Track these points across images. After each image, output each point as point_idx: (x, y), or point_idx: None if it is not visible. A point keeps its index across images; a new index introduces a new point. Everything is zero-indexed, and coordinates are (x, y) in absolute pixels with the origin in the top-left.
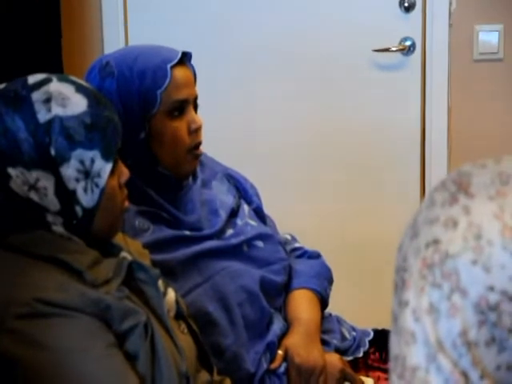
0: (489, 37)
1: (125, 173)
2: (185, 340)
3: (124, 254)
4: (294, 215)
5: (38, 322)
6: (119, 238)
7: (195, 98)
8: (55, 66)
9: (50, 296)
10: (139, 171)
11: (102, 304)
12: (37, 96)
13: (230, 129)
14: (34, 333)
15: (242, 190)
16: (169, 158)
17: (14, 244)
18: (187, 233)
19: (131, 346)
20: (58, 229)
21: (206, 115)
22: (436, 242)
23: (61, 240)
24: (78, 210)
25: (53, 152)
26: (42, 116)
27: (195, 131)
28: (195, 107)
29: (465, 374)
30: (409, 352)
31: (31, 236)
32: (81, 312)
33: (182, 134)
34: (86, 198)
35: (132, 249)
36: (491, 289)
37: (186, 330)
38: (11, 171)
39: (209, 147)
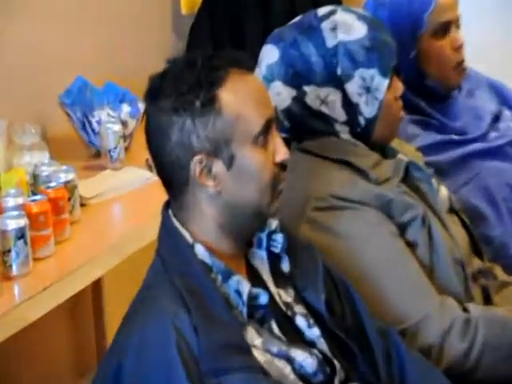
0: None
1: (399, 87)
2: (458, 231)
3: (401, 156)
4: None
5: (333, 214)
6: (395, 143)
7: (457, 19)
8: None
9: (343, 192)
10: (411, 85)
11: (384, 198)
12: (325, 25)
13: None
14: (331, 223)
15: (504, 97)
16: (436, 74)
17: (308, 148)
18: (454, 137)
19: (411, 235)
20: (345, 136)
21: None
22: None
23: (347, 145)
24: (361, 119)
25: (339, 71)
26: (330, 42)
27: (458, 49)
28: (457, 27)
29: None
30: None
31: (323, 141)
32: (368, 205)
33: (446, 52)
34: (368, 110)
35: (407, 151)
36: None
37: (458, 222)
38: (306, 88)
39: None
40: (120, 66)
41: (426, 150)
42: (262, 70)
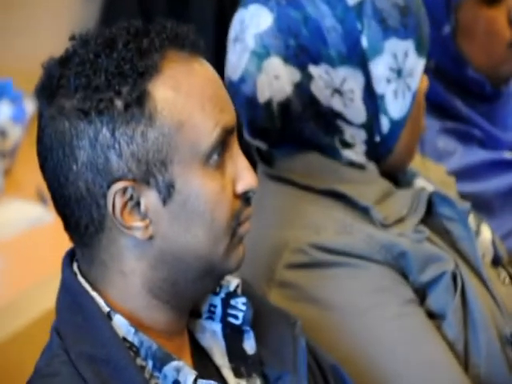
0: None
1: (424, 79)
2: (506, 293)
3: (421, 182)
4: None
5: (318, 274)
6: (416, 162)
7: None
8: None
9: (332, 240)
10: (443, 75)
11: (395, 249)
12: None
13: None
14: (313, 288)
15: None
16: (482, 56)
17: (283, 174)
18: (507, 155)
19: (435, 301)
20: (348, 153)
21: None
22: None
23: (342, 167)
24: (385, 122)
25: (364, 42)
26: None
27: None
28: None
29: None
30: None
31: (305, 161)
32: (368, 260)
33: (500, 25)
34: (396, 106)
35: (432, 176)
36: None
37: (507, 280)
38: (313, 70)
39: None
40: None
41: (462, 173)
42: (247, 41)
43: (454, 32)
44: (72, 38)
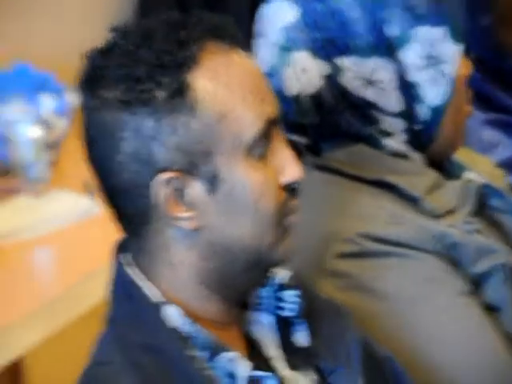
0: None
1: (467, 65)
2: None
3: (470, 174)
4: None
5: (366, 263)
6: (463, 154)
7: None
8: None
9: (383, 230)
10: (484, 66)
11: (446, 240)
12: None
13: None
14: (366, 277)
15: None
16: None
17: (331, 164)
18: None
19: (491, 293)
20: (390, 142)
21: None
22: None
23: (389, 157)
24: (423, 109)
25: (391, 31)
26: None
27: None
28: None
29: None
30: None
31: (353, 153)
32: (420, 250)
33: None
34: (433, 93)
35: (481, 168)
36: None
37: None
38: (342, 62)
39: None
40: (37, 39)
41: (507, 165)
42: (272, 36)
43: (494, 22)
44: (112, 29)
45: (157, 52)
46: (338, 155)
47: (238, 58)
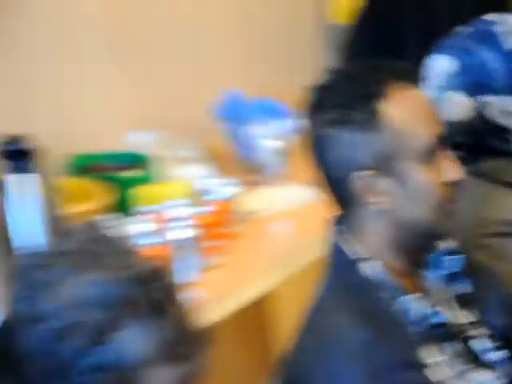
0: None
1: None
2: None
3: None
4: None
5: (504, 240)
6: None
7: None
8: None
9: None
10: None
11: None
12: (499, 29)
13: None
14: (502, 249)
15: None
16: None
17: (483, 171)
18: None
19: None
20: None
21: None
22: None
23: None
24: None
25: None
26: (508, 45)
27: None
28: None
29: None
30: None
31: (497, 163)
32: None
33: None
34: None
35: None
36: None
37: None
38: (487, 99)
39: None
40: (270, 79)
41: None
42: (435, 80)
43: None
44: (328, 72)
45: (357, 87)
46: (486, 166)
47: (414, 92)
